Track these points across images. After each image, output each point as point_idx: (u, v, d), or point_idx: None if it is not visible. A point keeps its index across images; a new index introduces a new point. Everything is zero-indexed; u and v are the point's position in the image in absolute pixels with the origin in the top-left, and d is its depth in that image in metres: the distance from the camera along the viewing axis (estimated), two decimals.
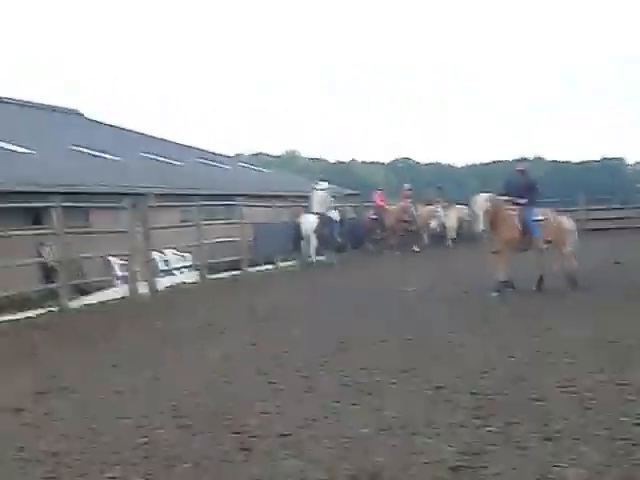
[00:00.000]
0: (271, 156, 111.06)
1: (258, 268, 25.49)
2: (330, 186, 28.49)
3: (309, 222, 26.66)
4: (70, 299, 17.55)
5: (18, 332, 14.21)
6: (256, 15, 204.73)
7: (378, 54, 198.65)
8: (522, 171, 17.21)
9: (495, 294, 15.68)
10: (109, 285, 20.61)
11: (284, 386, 8.81)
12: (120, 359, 11.06)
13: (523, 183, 16.86)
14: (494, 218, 16.10)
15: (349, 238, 30.49)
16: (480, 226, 16.09)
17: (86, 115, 39.76)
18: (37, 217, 20.82)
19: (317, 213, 26.78)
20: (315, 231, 26.53)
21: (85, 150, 29.70)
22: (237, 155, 67.05)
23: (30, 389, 9.34)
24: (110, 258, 21.85)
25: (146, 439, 7.02)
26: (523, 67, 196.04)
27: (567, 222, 17.25)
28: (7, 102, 34.28)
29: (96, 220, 22.47)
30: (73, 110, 39.15)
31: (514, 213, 16.40)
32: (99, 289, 19.82)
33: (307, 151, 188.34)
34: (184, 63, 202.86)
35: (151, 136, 40.19)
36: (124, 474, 6.06)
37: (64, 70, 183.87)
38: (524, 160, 17.87)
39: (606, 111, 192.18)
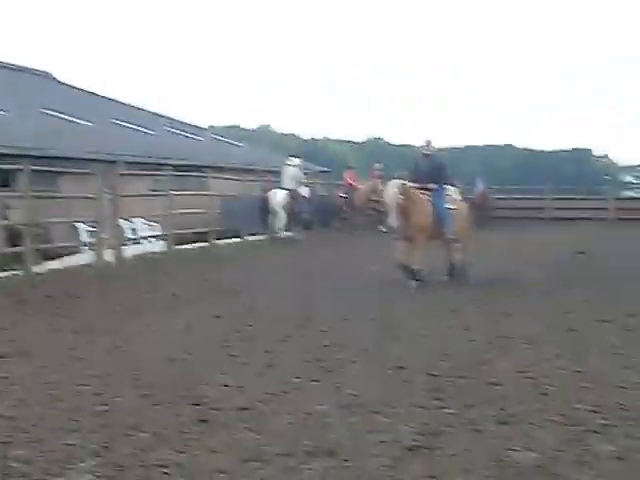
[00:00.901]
0: (245, 130, 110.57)
1: (226, 241, 25.43)
2: (301, 163, 28.42)
3: (278, 197, 26.64)
4: (35, 264, 17.44)
5: None
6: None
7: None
8: (428, 155, 15.83)
9: (413, 283, 14.67)
10: (75, 251, 20.49)
11: (245, 360, 8.84)
12: (82, 326, 11.02)
13: (431, 167, 15.64)
14: (406, 205, 14.76)
15: (318, 215, 30.51)
16: (392, 221, 14.70)
17: (58, 78, 39.36)
18: (4, 179, 20.67)
19: (287, 189, 26.76)
20: (284, 207, 26.51)
21: (56, 114, 29.46)
22: (211, 127, 66.68)
23: None
24: (77, 224, 21.74)
25: (105, 407, 7.02)
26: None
27: (467, 211, 16.57)
28: None
29: (65, 185, 22.32)
30: (44, 72, 38.72)
31: (426, 198, 15.33)
32: (65, 255, 19.71)
33: (280, 126, 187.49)
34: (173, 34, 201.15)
35: (123, 103, 39.88)
36: (82, 441, 6.05)
37: (35, 30, 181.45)
38: (429, 143, 15.78)
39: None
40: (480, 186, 37.79)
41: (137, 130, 33.35)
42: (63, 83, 38.86)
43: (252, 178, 30.10)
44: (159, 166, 25.06)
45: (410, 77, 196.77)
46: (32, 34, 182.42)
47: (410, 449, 5.81)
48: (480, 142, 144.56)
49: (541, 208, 39.48)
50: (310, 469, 5.43)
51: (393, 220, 14.63)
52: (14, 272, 16.76)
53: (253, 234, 26.84)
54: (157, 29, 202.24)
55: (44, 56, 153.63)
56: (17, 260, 17.57)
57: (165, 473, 5.38)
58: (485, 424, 6.39)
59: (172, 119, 41.29)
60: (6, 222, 19.80)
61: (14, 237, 19.41)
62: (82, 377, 8.10)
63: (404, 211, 14.74)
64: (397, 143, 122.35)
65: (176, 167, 25.74)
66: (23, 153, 19.78)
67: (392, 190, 14.86)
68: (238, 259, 20.90)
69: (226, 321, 11.37)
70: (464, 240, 15.90)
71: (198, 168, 27.86)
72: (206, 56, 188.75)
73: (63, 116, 29.62)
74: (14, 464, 5.58)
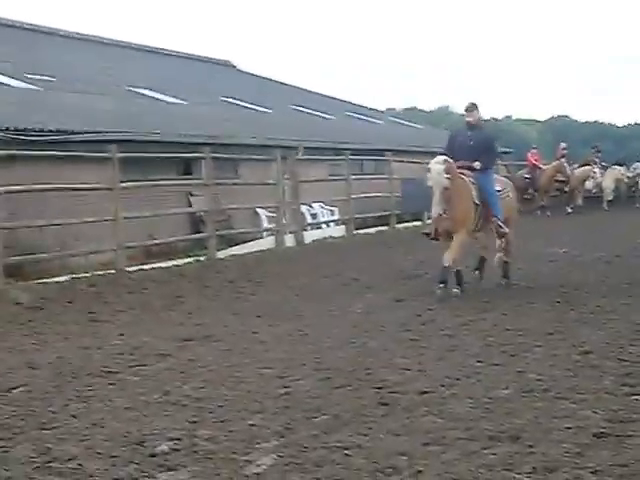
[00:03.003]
0: (424, 111, 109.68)
1: (406, 224, 25.34)
2: None
3: None
4: (217, 249, 17.88)
5: (167, 280, 14.57)
6: None
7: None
8: (472, 125, 12.47)
9: (439, 291, 11.63)
10: (256, 237, 20.91)
11: (427, 344, 8.75)
12: (264, 310, 11.21)
13: (476, 140, 12.33)
14: (451, 189, 11.67)
15: None
16: (438, 209, 11.69)
17: (238, 67, 40.24)
18: (187, 167, 21.29)
19: None
20: None
21: (236, 101, 30.10)
22: (389, 110, 66.64)
23: (176, 335, 9.59)
24: (258, 210, 22.17)
25: (287, 389, 7.09)
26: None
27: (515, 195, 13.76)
28: (159, 53, 35.06)
29: (245, 172, 22.79)
30: (225, 61, 39.67)
31: (469, 182, 12.15)
32: (246, 240, 20.13)
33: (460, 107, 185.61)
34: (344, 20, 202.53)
35: (302, 89, 40.40)
36: (264, 422, 6.13)
37: (217, 22, 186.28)
38: (474, 108, 12.44)
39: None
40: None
41: (316, 115, 33.70)
42: (244, 72, 39.72)
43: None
44: (338, 151, 25.22)
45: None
46: (214, 24, 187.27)
47: (597, 436, 5.57)
48: None
49: None
50: (493, 454, 5.30)
51: (438, 207, 11.66)
52: (198, 258, 17.24)
53: None
54: (336, 14, 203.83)
55: (226, 46, 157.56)
56: (200, 246, 18.08)
57: (346, 455, 5.36)
58: None
59: (351, 103, 41.52)
60: (190, 209, 20.41)
61: (197, 224, 20.01)
62: (264, 360, 8.22)
63: (448, 196, 11.69)
64: (583, 120, 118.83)
65: (355, 151, 25.83)
66: (204, 141, 20.28)
67: (436, 168, 11.77)
68: (421, 242, 20.71)
69: (407, 305, 11.31)
70: (510, 231, 12.79)
71: (377, 152, 27.84)
72: (385, 40, 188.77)
73: (243, 104, 30.24)
74: (201, 443, 5.70)
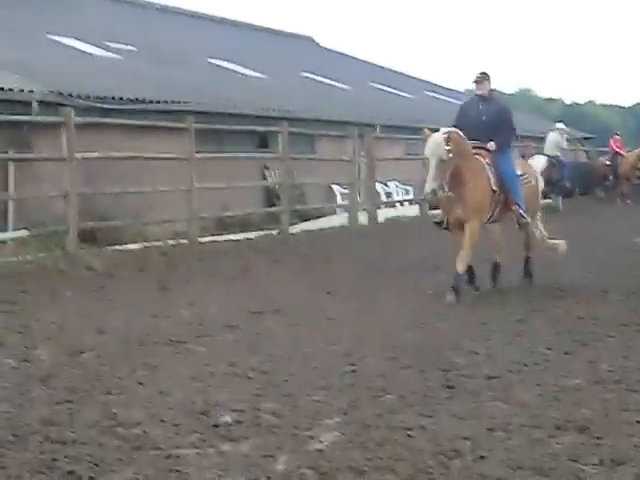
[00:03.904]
0: (504, 94, 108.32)
1: None
2: (565, 129, 27.42)
3: (537, 164, 25.94)
4: (290, 224, 17.91)
5: (238, 252, 14.64)
6: None
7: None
8: (483, 96, 10.90)
9: (450, 297, 10.10)
10: (330, 213, 20.90)
11: (495, 327, 8.66)
12: (334, 286, 11.18)
13: (489, 114, 10.74)
14: (456, 170, 10.08)
15: (578, 183, 29.46)
16: (433, 185, 9.84)
17: (319, 43, 40.19)
18: (263, 141, 21.33)
19: (548, 155, 25.97)
20: (542, 173, 25.78)
21: (315, 77, 30.07)
22: (468, 91, 65.95)
23: (245, 308, 9.61)
24: (333, 186, 22.15)
25: (353, 367, 7.06)
26: (608, 51, 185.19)
27: (540, 179, 12.22)
28: (241, 26, 35.14)
29: (321, 148, 22.77)
30: (306, 37, 39.66)
31: (486, 164, 10.56)
32: (319, 216, 20.14)
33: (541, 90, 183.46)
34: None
35: (381, 66, 40.22)
36: (329, 399, 6.11)
37: None
38: (485, 78, 10.88)
39: None
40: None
41: (395, 94, 33.50)
42: (324, 47, 39.65)
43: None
44: (415, 130, 25.03)
45: None
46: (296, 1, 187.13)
47: None
48: None
49: None
50: (558, 443, 5.20)
51: (433, 182, 9.85)
52: (271, 231, 17.28)
53: None
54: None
55: (308, 22, 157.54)
56: (274, 220, 18.13)
57: (409, 435, 5.32)
58: None
59: (430, 83, 41.23)
60: (264, 182, 20.48)
61: (272, 197, 20.06)
62: (332, 337, 8.20)
63: (455, 177, 10.11)
64: None
65: (433, 131, 25.62)
66: (282, 115, 20.29)
67: (436, 136, 10.06)
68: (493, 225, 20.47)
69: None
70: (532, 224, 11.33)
71: None
72: (465, 19, 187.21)
73: (322, 79, 30.19)
74: (265, 416, 5.70)
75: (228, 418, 5.63)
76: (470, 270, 10.72)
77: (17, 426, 5.41)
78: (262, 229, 17.54)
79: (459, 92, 44.12)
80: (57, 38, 22.91)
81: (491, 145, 10.58)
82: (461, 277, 10.33)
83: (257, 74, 27.01)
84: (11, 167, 15.17)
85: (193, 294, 10.63)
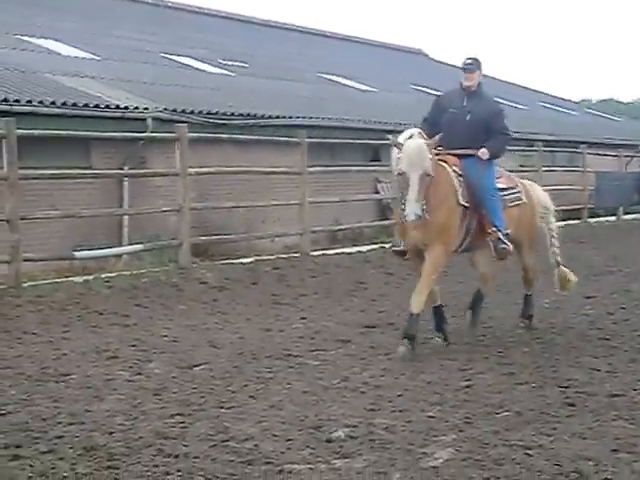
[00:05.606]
0: (622, 103, 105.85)
1: (598, 219, 24.57)
2: None
3: None
4: None
5: (351, 265, 14.55)
6: None
7: None
8: (471, 89, 8.58)
9: (402, 349, 7.76)
10: None
11: (618, 344, 8.36)
12: (448, 300, 10.92)
13: (476, 113, 8.43)
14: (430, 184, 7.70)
15: None
16: (415, 209, 7.49)
17: (430, 55, 40.04)
18: (375, 154, 21.26)
19: None
20: None
21: (426, 89, 29.92)
22: (584, 101, 64.73)
23: (357, 322, 9.54)
24: None
25: (468, 382, 6.90)
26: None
27: (545, 196, 9.77)
28: (351, 41, 35.25)
29: None
30: (417, 50, 39.56)
31: (452, 172, 8.21)
32: None
33: None
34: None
35: (494, 78, 39.73)
36: (443, 415, 5.97)
37: (410, 11, 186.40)
38: (475, 65, 8.61)
39: None
40: None
41: (509, 105, 33.04)
42: (436, 60, 39.44)
43: (630, 153, 28.87)
44: (530, 141, 24.66)
45: None
46: (408, 14, 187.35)
47: None
48: None
49: None
50: None
51: (416, 205, 7.52)
52: (383, 245, 17.13)
53: (629, 212, 25.66)
54: (522, 5, 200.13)
55: (419, 35, 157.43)
56: (386, 233, 18.01)
57: (527, 454, 5.13)
58: None
59: (544, 94, 40.59)
60: (377, 196, 20.39)
61: (384, 210, 19.96)
62: (446, 351, 8.08)
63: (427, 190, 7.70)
64: None
65: (547, 142, 25.23)
66: (393, 129, 20.15)
67: (414, 143, 7.77)
68: (612, 238, 19.96)
69: (597, 302, 10.88)
70: (526, 248, 9.29)
71: (570, 143, 27.09)
72: (575, 27, 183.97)
73: (433, 92, 29.97)
74: (378, 431, 5.60)
75: (341, 433, 5.54)
76: (438, 310, 8.57)
77: (131, 439, 5.42)
78: (374, 242, 17.43)
79: (574, 102, 43.39)
80: (172, 57, 23.37)
81: (483, 152, 8.31)
82: (416, 319, 7.90)
83: (368, 88, 27.00)
84: (126, 183, 15.47)
85: (305, 307, 10.61)
